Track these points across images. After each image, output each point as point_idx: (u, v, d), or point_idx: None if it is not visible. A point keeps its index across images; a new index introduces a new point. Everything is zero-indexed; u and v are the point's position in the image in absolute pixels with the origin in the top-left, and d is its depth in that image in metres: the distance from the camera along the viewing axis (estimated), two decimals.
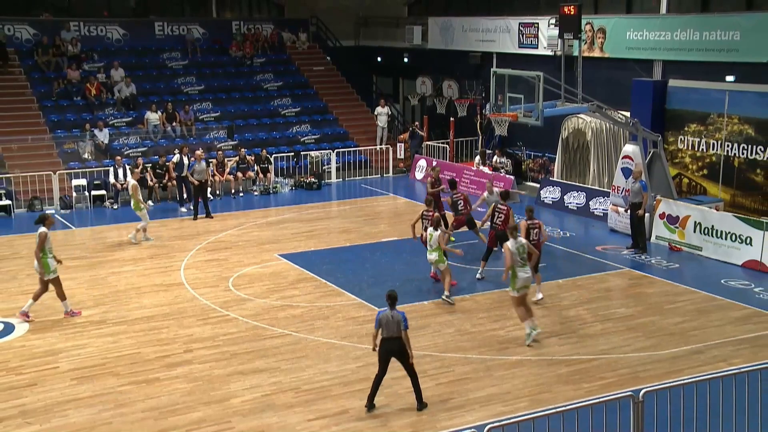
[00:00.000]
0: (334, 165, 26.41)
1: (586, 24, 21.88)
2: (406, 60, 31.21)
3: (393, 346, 10.51)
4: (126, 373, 11.65)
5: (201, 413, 10.45)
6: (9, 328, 13.46)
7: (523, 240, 13.01)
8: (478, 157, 25.03)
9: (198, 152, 21.40)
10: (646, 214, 17.76)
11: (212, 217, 20.96)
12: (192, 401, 10.79)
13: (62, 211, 22.12)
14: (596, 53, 22.30)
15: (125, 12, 33.06)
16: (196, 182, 20.85)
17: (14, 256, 17.80)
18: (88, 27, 29.19)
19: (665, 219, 18.24)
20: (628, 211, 17.87)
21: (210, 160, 22.99)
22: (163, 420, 10.28)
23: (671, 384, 9.11)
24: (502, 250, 13.18)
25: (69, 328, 13.44)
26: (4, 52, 26.99)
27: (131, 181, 18.97)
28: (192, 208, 21.23)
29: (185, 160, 22.22)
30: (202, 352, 12.40)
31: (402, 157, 27.51)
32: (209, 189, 22.20)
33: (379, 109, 28.37)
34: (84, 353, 12.40)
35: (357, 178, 26.67)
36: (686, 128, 20.02)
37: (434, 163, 25.33)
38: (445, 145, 27.35)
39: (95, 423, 10.22)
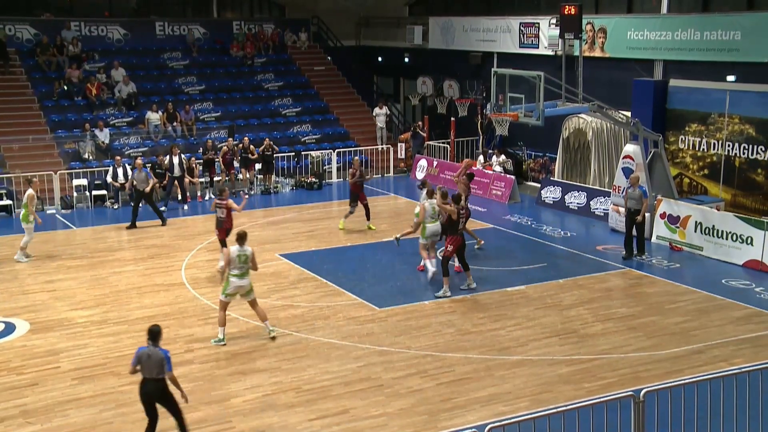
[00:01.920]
0: (334, 165, 26.41)
1: (587, 24, 21.88)
2: (406, 60, 31.21)
3: (152, 389, 9.38)
4: (127, 373, 11.61)
5: (202, 413, 10.45)
6: (10, 328, 13.47)
7: (426, 203, 15.44)
8: (481, 157, 25.00)
9: (137, 161, 20.73)
10: (646, 215, 17.74)
11: (165, 224, 20.26)
12: (193, 401, 10.72)
13: (63, 211, 22.13)
14: (597, 53, 22.30)
15: (126, 12, 33.04)
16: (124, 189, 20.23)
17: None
18: (89, 27, 29.19)
19: (666, 219, 18.24)
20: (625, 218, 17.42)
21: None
22: (163, 420, 10.25)
23: (672, 384, 9.11)
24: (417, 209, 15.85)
25: (70, 328, 13.45)
26: (4, 52, 26.99)
27: (29, 191, 17.58)
28: (185, 208, 21.15)
29: (175, 161, 22.35)
30: (203, 352, 12.40)
31: (403, 157, 27.51)
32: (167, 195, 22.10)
33: (377, 110, 28.33)
34: (85, 353, 12.41)
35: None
36: (687, 128, 20.02)
37: (435, 163, 25.34)
38: (445, 145, 27.35)
39: (96, 423, 10.23)
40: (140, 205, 20.24)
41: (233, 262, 12.55)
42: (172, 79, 28.92)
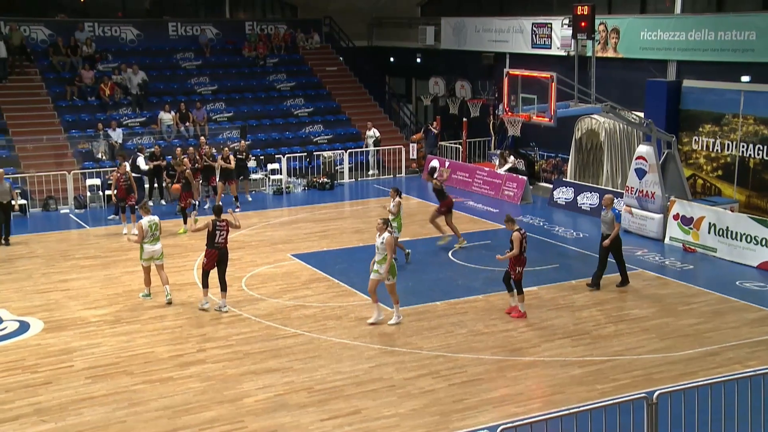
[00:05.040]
0: (346, 165, 26.43)
1: (600, 24, 21.82)
2: (418, 60, 31.21)
3: None
4: (140, 372, 11.70)
5: (214, 412, 10.48)
6: (25, 327, 13.55)
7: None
8: (497, 158, 24.89)
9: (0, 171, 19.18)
10: (660, 216, 17.65)
11: (8, 244, 18.58)
12: (205, 400, 10.82)
13: (77, 211, 22.24)
14: (610, 53, 22.23)
15: (139, 13, 33.20)
16: None
17: (30, 255, 17.91)
18: (103, 28, 29.36)
19: (679, 220, 18.16)
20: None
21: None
22: (176, 419, 10.32)
23: (686, 386, 9.05)
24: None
25: (84, 327, 13.52)
26: (25, 52, 27.16)
27: None
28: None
29: (143, 163, 22.11)
30: (215, 352, 12.43)
31: (414, 157, 27.49)
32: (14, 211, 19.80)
33: (367, 132, 27.39)
34: (98, 352, 12.46)
35: (370, 178, 26.69)
36: (701, 129, 19.93)
37: (447, 164, 25.31)
38: (457, 146, 27.32)
39: (109, 421, 10.27)
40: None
41: (146, 232, 14.32)
42: (185, 79, 29.03)
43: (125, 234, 18.97)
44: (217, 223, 14.07)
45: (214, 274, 14.23)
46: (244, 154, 23.23)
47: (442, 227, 18.18)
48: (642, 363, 11.89)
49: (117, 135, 24.87)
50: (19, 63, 26.97)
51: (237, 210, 17.61)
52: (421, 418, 10.32)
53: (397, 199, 16.51)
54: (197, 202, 19.58)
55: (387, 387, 11.18)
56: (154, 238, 14.48)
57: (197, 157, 21.75)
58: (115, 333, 13.27)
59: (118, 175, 19.42)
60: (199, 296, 14.67)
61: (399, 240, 16.54)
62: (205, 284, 14.29)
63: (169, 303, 14.47)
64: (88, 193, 22.82)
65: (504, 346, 12.63)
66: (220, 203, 17.97)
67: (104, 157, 24.50)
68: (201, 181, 21.89)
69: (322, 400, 10.82)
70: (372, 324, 13.37)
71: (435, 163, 26.05)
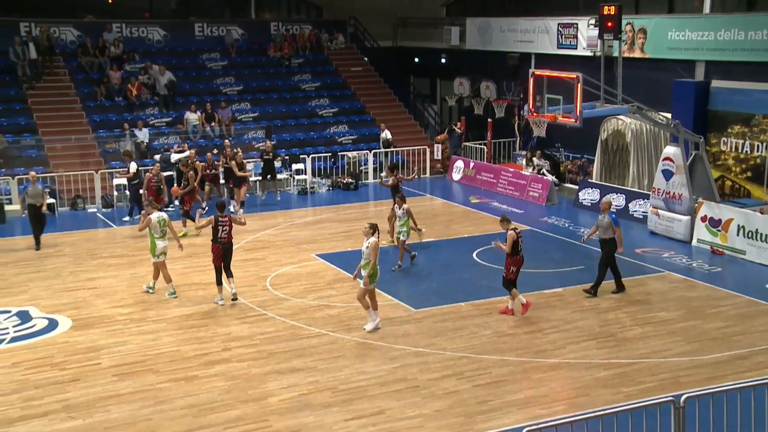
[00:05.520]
0: (371, 165, 26.45)
1: (627, 24, 21.61)
2: (443, 60, 31.14)
3: None
4: (165, 371, 11.79)
5: (239, 411, 10.53)
6: (53, 324, 13.71)
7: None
8: (525, 160, 24.72)
9: (31, 173, 19.03)
10: (687, 217, 17.43)
11: (39, 248, 18.37)
12: (230, 399, 10.88)
13: (104, 210, 22.47)
14: (636, 54, 22.02)
15: (166, 13, 33.47)
16: (23, 211, 18.47)
17: (58, 254, 18.12)
18: (130, 28, 29.63)
19: (707, 222, 17.96)
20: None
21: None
22: (201, 417, 10.39)
23: (714, 390, 8.96)
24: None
25: (110, 326, 13.65)
26: (53, 53, 27.50)
27: None
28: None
29: (133, 167, 21.29)
30: (239, 351, 12.50)
31: (439, 157, 27.45)
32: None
33: (381, 135, 27.15)
34: (125, 350, 12.58)
35: (374, 180, 26.64)
36: (729, 130, 19.69)
37: (472, 164, 25.20)
38: (482, 147, 27.24)
39: (136, 419, 10.36)
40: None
41: (155, 227, 14.65)
42: (211, 79, 29.22)
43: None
44: (220, 218, 14.47)
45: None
46: (271, 154, 23.29)
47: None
48: (668, 366, 11.77)
49: (144, 135, 25.10)
50: (49, 64, 27.28)
51: (203, 212, 17.40)
52: (445, 419, 10.30)
53: (405, 205, 16.46)
54: (204, 207, 19.23)
55: (411, 387, 11.17)
56: (162, 234, 14.88)
57: (214, 162, 21.85)
58: (141, 331, 13.38)
59: (150, 176, 19.58)
60: (225, 295, 14.77)
61: (407, 243, 16.67)
62: (219, 281, 14.62)
63: (150, 292, 15.14)
64: (115, 193, 23.03)
65: (529, 347, 12.57)
66: (223, 201, 17.90)
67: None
68: (214, 185, 21.89)
69: (346, 400, 10.84)
70: (370, 331, 13.20)
71: (459, 163, 25.97)
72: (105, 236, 19.96)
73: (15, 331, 13.39)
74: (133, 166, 21.17)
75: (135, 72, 27.75)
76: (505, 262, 13.89)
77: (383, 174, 19.05)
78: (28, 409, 10.65)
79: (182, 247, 15.67)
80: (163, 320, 13.88)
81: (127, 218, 21.17)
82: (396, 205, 16.48)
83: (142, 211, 15.71)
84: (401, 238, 16.36)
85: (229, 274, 14.71)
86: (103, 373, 11.74)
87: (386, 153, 26.63)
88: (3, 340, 13.03)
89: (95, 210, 22.50)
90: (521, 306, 13.92)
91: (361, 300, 13.19)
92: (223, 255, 14.55)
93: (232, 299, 14.66)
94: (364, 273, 12.94)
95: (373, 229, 13.08)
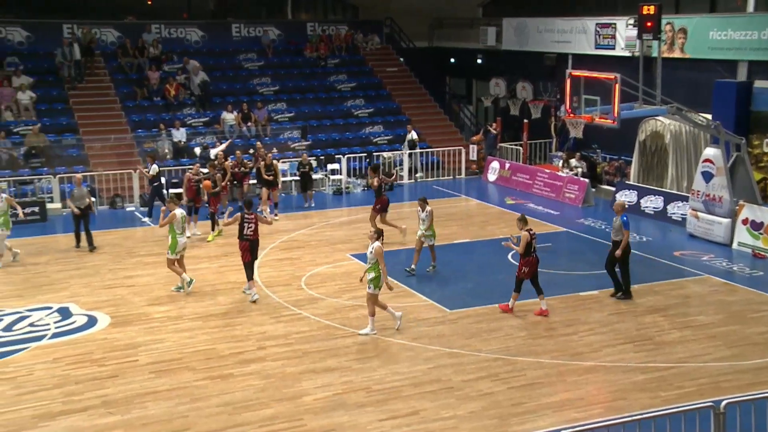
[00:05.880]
0: (406, 166, 26.44)
1: (666, 24, 21.34)
2: (479, 61, 31.04)
3: None
4: (201, 368, 11.90)
5: (273, 410, 10.59)
6: (92, 321, 13.92)
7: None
8: (561, 162, 24.49)
9: (76, 176, 19.11)
10: (727, 220, 17.16)
11: (95, 248, 18.36)
12: (265, 398, 10.95)
13: (142, 209, 22.75)
14: (676, 54, 21.74)
15: (204, 14, 33.81)
16: (76, 210, 18.28)
17: (97, 252, 18.36)
18: (169, 29, 29.97)
19: (748, 225, 17.65)
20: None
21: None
22: (236, 415, 10.47)
23: (756, 396, 8.80)
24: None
25: (148, 323, 13.82)
26: (92, 53, 27.93)
27: (4, 195, 17.53)
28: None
29: (154, 169, 21.27)
30: (274, 350, 12.57)
31: (474, 158, 27.34)
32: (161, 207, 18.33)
33: (408, 136, 27.11)
34: (162, 347, 12.72)
35: (429, 179, 26.65)
36: None
37: (507, 165, 25.06)
38: (518, 148, 27.08)
39: (172, 416, 10.47)
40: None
41: (178, 223, 15.00)
42: (247, 79, 29.45)
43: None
44: (246, 215, 14.76)
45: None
46: (307, 166, 22.91)
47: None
48: (708, 371, 11.59)
49: (181, 134, 25.37)
50: (90, 64, 27.71)
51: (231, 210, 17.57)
52: (480, 420, 10.26)
53: (428, 208, 16.21)
54: (226, 209, 19.16)
55: (445, 389, 11.14)
56: (182, 230, 15.27)
57: (244, 160, 21.80)
58: (178, 329, 13.53)
59: (189, 175, 19.74)
60: (260, 294, 14.90)
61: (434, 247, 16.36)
62: (250, 276, 14.86)
63: (180, 290, 15.28)
64: (171, 191, 23.23)
65: (564, 350, 12.47)
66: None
67: (169, 157, 24.99)
68: (243, 184, 21.81)
69: (381, 400, 10.84)
70: (397, 329, 13.22)
71: (495, 163, 25.84)
72: (142, 235, 20.21)
73: (56, 327, 13.62)
74: (154, 168, 21.23)
75: (173, 72, 28.06)
76: (519, 260, 13.98)
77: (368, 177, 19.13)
78: (69, 403, 10.83)
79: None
80: (199, 318, 14.01)
81: (146, 219, 21.24)
82: (419, 207, 16.25)
83: (163, 207, 15.81)
84: (428, 243, 16.11)
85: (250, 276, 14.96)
86: (140, 369, 11.89)
87: (411, 154, 26.50)
88: (44, 335, 13.26)
89: (133, 209, 22.79)
90: (506, 305, 14.02)
91: (377, 303, 13.15)
92: (250, 251, 14.78)
93: (249, 297, 14.81)
94: (370, 277, 12.97)
95: (378, 234, 13.10)
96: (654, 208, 20.89)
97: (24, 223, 20.58)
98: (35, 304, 14.79)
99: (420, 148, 27.11)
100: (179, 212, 15.22)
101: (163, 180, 22.83)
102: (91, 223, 18.77)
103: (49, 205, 21.85)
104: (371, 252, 12.98)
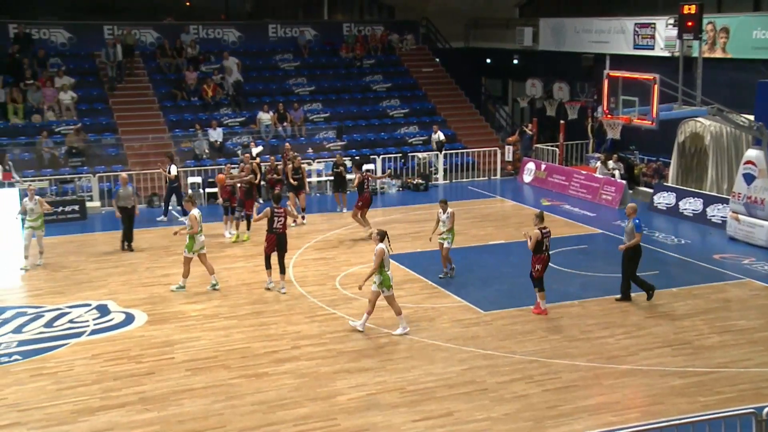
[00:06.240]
0: (441, 166, 26.38)
1: (708, 24, 21.02)
2: (515, 61, 30.85)
3: None
4: (237, 367, 11.99)
5: (308, 409, 10.62)
6: (130, 318, 14.10)
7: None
8: (600, 162, 24.18)
9: (123, 175, 19.13)
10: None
11: (132, 250, 18.44)
12: (299, 397, 10.99)
13: (178, 208, 22.96)
14: (718, 54, 21.39)
15: (241, 15, 34.10)
16: (118, 214, 18.54)
17: (135, 250, 18.58)
18: (206, 30, 30.26)
19: None
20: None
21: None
22: (271, 414, 10.52)
23: None
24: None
25: (184, 321, 13.96)
26: (132, 54, 28.32)
27: (37, 197, 17.41)
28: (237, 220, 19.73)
29: (174, 170, 21.25)
30: (309, 349, 12.61)
31: (510, 159, 27.18)
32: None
33: (433, 135, 26.94)
34: (198, 345, 12.84)
35: (464, 180, 26.56)
36: None
37: (543, 166, 24.87)
38: (554, 149, 26.87)
39: (208, 413, 10.56)
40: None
41: (199, 223, 15.19)
42: (283, 80, 29.61)
43: (228, 237, 19.48)
44: (275, 209, 15.17)
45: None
46: (341, 168, 22.36)
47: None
48: (749, 376, 11.38)
49: (218, 134, 25.59)
50: (129, 65, 28.10)
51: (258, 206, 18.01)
52: (514, 423, 10.19)
53: (450, 210, 15.95)
54: (260, 201, 19.23)
55: (479, 390, 11.09)
56: (201, 229, 15.41)
57: (277, 167, 21.48)
58: (214, 327, 13.64)
59: (222, 176, 19.82)
60: (295, 293, 14.97)
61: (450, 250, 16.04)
62: (267, 266, 15.37)
63: (215, 288, 15.50)
64: (189, 191, 23.51)
65: (600, 353, 12.33)
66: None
67: (205, 156, 25.22)
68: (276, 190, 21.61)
69: (414, 400, 10.82)
70: (356, 330, 13.21)
71: (531, 165, 25.66)
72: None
73: (95, 324, 13.83)
74: (173, 169, 21.27)
75: (209, 72, 28.32)
76: (531, 258, 13.99)
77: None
78: (108, 399, 10.97)
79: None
80: (234, 317, 14.12)
81: (163, 218, 21.24)
82: (440, 209, 16.05)
83: (190, 214, 15.47)
84: (446, 245, 15.89)
85: (282, 270, 15.36)
86: (176, 367, 12.01)
87: (444, 154, 26.39)
88: (84, 332, 13.47)
89: (171, 208, 23.01)
90: (539, 308, 13.97)
91: (371, 303, 13.18)
92: (276, 244, 15.18)
93: (279, 290, 15.26)
94: (376, 278, 12.96)
95: (381, 235, 13.06)
96: (693, 210, 20.58)
97: (64, 221, 20.98)
98: (75, 301, 15.03)
99: (455, 149, 27.01)
100: (196, 212, 15.40)
101: (198, 180, 23.09)
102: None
103: (88, 204, 22.19)
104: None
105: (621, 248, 14.48)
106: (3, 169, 21.57)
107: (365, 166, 25.36)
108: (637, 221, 14.34)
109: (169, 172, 21.27)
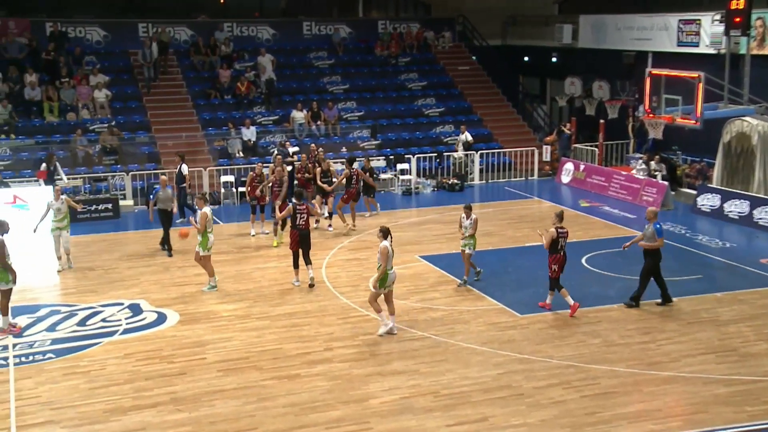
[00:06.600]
0: (477, 166, 26.04)
1: (757, 19, 20.36)
2: (554, 59, 30.37)
3: None
4: (269, 368, 11.82)
5: (340, 412, 10.43)
6: (162, 318, 14.02)
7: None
8: (639, 163, 23.62)
9: (163, 177, 18.61)
10: None
11: (171, 255, 17.94)
12: (331, 399, 10.79)
13: (211, 207, 22.90)
14: (767, 51, 20.71)
15: (275, 12, 34.10)
16: (150, 217, 18.29)
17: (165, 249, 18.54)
18: (240, 28, 30.25)
19: None
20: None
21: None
22: (303, 416, 10.34)
23: None
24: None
25: (216, 321, 13.84)
26: (165, 52, 28.42)
27: (64, 196, 17.24)
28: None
29: (185, 170, 20.79)
30: (341, 351, 12.41)
31: (548, 159, 26.74)
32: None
33: (460, 136, 26.46)
34: (229, 346, 12.70)
35: (500, 180, 26.18)
36: None
37: (582, 167, 24.44)
38: (593, 149, 26.36)
39: (240, 415, 10.41)
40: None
41: (209, 223, 15.16)
42: (318, 78, 29.49)
43: (253, 235, 19.39)
44: (298, 206, 15.26)
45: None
46: (368, 171, 21.72)
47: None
48: None
49: (251, 133, 25.50)
50: (163, 63, 28.20)
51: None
52: (551, 429, 9.91)
53: (473, 216, 15.33)
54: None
55: (515, 395, 10.81)
56: (212, 228, 15.36)
57: (309, 165, 20.83)
58: (246, 328, 13.50)
59: (253, 175, 19.64)
60: (328, 294, 14.80)
61: (472, 258, 15.44)
62: (296, 265, 15.47)
63: (213, 289, 15.48)
64: (222, 190, 23.49)
65: (640, 358, 11.96)
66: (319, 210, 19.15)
67: (239, 155, 25.17)
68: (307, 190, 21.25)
69: (449, 405, 10.57)
70: (381, 335, 12.89)
71: (569, 165, 25.21)
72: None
73: (127, 324, 13.77)
74: (185, 168, 20.91)
75: (243, 70, 28.27)
76: (548, 258, 13.90)
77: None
78: (139, 399, 10.89)
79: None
80: (267, 318, 13.96)
81: (181, 219, 20.35)
82: (463, 214, 15.57)
83: (201, 212, 15.27)
84: (467, 251, 15.31)
85: (308, 261, 15.44)
86: (208, 368, 11.88)
87: (467, 155, 25.97)
88: (116, 331, 13.41)
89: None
90: (572, 308, 13.71)
91: (372, 303, 12.93)
92: (300, 241, 15.24)
93: (309, 285, 15.38)
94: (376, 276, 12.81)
95: (384, 233, 12.78)
96: (739, 212, 20.00)
97: (97, 220, 21.04)
98: (107, 300, 15.00)
99: (492, 149, 26.63)
100: (208, 210, 15.37)
101: (231, 179, 22.99)
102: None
103: (121, 202, 22.22)
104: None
105: (626, 246, 14.47)
106: (47, 168, 21.57)
107: (373, 163, 24.83)
108: (658, 226, 13.94)
109: (180, 172, 20.96)
